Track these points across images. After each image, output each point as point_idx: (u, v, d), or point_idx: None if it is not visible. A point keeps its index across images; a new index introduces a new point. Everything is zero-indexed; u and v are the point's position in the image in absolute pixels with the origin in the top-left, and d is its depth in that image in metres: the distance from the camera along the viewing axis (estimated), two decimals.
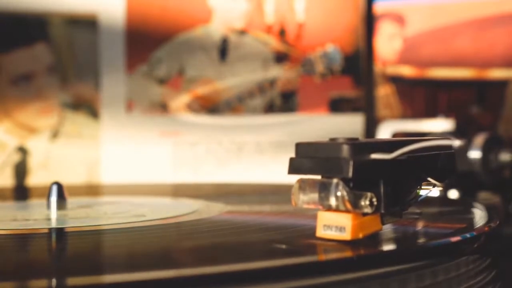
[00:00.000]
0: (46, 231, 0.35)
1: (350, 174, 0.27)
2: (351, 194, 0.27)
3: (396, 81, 0.89)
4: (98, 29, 0.70)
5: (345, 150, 0.27)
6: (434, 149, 0.30)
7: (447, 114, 0.76)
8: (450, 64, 0.88)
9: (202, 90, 0.73)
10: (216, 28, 0.74)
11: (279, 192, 0.54)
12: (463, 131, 0.68)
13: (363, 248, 0.27)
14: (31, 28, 0.68)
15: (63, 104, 0.69)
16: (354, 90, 0.77)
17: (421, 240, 0.30)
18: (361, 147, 0.27)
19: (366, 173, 0.27)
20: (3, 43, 0.68)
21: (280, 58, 0.75)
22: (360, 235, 0.28)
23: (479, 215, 0.36)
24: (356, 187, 0.27)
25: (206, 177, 0.72)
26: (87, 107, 0.70)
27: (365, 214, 0.28)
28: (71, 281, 0.23)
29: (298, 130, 0.75)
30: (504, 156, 0.59)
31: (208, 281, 0.23)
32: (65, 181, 0.43)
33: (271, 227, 0.35)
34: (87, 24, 0.70)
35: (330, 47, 0.76)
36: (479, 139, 0.59)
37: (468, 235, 0.30)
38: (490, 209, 0.38)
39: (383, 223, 0.29)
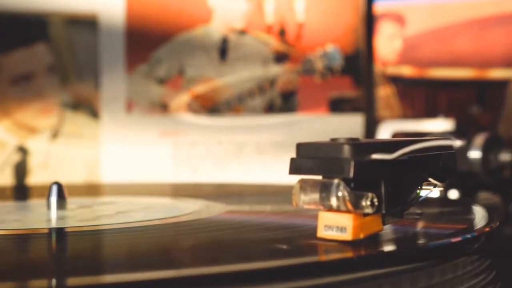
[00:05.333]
0: (46, 231, 0.35)
1: (351, 174, 0.27)
2: (352, 194, 0.27)
3: (396, 81, 0.89)
4: (98, 29, 0.70)
5: (346, 150, 0.27)
6: (434, 149, 0.30)
7: (447, 114, 0.76)
8: (450, 64, 0.88)
9: (202, 90, 0.73)
10: (216, 28, 0.74)
11: (279, 192, 0.54)
12: (463, 131, 0.68)
13: (364, 249, 0.27)
14: (31, 28, 0.68)
15: (63, 104, 0.69)
16: (354, 90, 0.77)
17: (422, 241, 0.30)
18: (362, 147, 0.27)
19: (367, 174, 0.27)
20: (3, 43, 0.67)
21: (280, 58, 0.75)
22: (361, 236, 0.28)
23: (480, 216, 0.36)
24: (357, 187, 0.27)
25: (206, 177, 0.72)
26: (87, 107, 0.69)
27: (366, 215, 0.28)
28: (71, 281, 0.23)
29: (298, 130, 0.75)
30: (504, 156, 0.59)
31: (208, 281, 0.23)
32: (65, 181, 0.43)
33: (272, 227, 0.35)
34: (87, 24, 0.70)
35: (330, 47, 0.76)
36: (479, 139, 0.59)
37: (468, 236, 0.30)
38: (490, 210, 0.38)
39: (384, 224, 0.29)
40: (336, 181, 0.27)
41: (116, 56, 0.70)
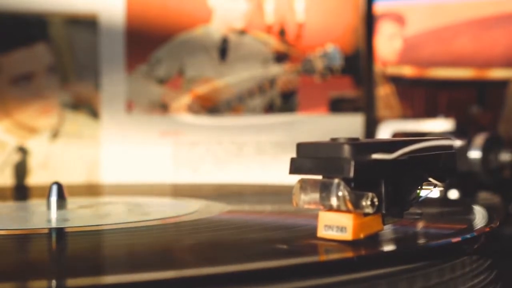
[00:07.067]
0: (46, 231, 0.35)
1: (351, 174, 0.27)
2: (352, 194, 0.27)
3: (396, 81, 0.89)
4: (98, 29, 0.70)
5: (346, 150, 0.27)
6: (435, 149, 0.30)
7: (447, 114, 0.76)
8: (450, 64, 0.88)
9: (202, 90, 0.73)
10: (216, 28, 0.74)
11: (279, 192, 0.54)
12: (463, 131, 0.68)
13: (364, 249, 0.27)
14: (31, 28, 0.68)
15: (63, 104, 0.69)
16: (354, 90, 0.77)
17: (422, 241, 0.30)
18: (362, 147, 0.27)
19: (367, 173, 0.27)
20: (3, 43, 0.67)
21: (280, 58, 0.75)
22: (361, 236, 0.28)
23: (480, 216, 0.36)
24: (357, 187, 0.27)
25: (206, 177, 0.72)
26: (87, 107, 0.69)
27: (366, 214, 0.28)
28: (71, 281, 0.23)
29: (298, 130, 0.75)
30: (504, 156, 0.59)
31: (208, 281, 0.23)
32: (65, 181, 0.43)
33: (272, 227, 0.35)
34: (87, 24, 0.70)
35: (330, 47, 0.76)
36: (479, 139, 0.59)
37: (468, 236, 0.30)
38: (490, 210, 0.38)
39: (384, 223, 0.29)
40: (336, 181, 0.27)
41: (116, 56, 0.70)
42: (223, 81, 0.73)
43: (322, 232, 0.28)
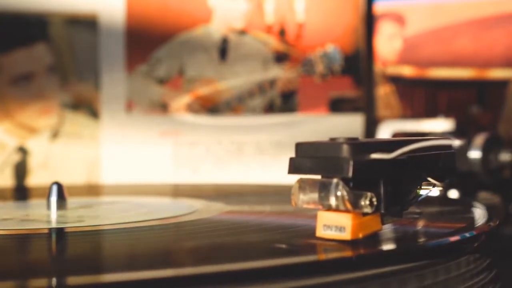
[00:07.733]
0: (46, 231, 0.35)
1: (350, 174, 0.27)
2: (351, 194, 0.27)
3: (396, 81, 0.89)
4: (98, 29, 0.70)
5: (345, 150, 0.27)
6: (434, 149, 0.30)
7: (447, 114, 0.76)
8: (450, 64, 0.88)
9: (202, 90, 0.73)
10: (216, 28, 0.74)
11: (279, 192, 0.54)
12: (463, 131, 0.68)
13: (363, 248, 0.27)
14: (31, 28, 0.68)
15: (63, 104, 0.69)
16: (354, 90, 0.77)
17: (421, 240, 0.30)
18: (361, 147, 0.28)
19: (366, 173, 0.27)
20: (3, 43, 0.68)
21: (280, 58, 0.75)
22: (360, 235, 0.28)
23: (479, 215, 0.36)
24: (356, 187, 0.27)
25: (206, 177, 0.72)
26: (87, 107, 0.69)
27: (365, 214, 0.28)
28: (71, 281, 0.23)
29: (298, 130, 0.75)
30: (504, 156, 0.59)
31: (208, 281, 0.23)
32: (65, 181, 0.43)
33: (271, 227, 0.35)
34: (87, 24, 0.70)
35: (330, 47, 0.76)
36: (479, 139, 0.59)
37: (468, 235, 0.30)
38: (490, 209, 0.38)
39: (383, 223, 0.29)
40: (335, 180, 0.27)
41: (116, 56, 0.70)
42: (223, 81, 0.73)
43: (321, 232, 0.28)
